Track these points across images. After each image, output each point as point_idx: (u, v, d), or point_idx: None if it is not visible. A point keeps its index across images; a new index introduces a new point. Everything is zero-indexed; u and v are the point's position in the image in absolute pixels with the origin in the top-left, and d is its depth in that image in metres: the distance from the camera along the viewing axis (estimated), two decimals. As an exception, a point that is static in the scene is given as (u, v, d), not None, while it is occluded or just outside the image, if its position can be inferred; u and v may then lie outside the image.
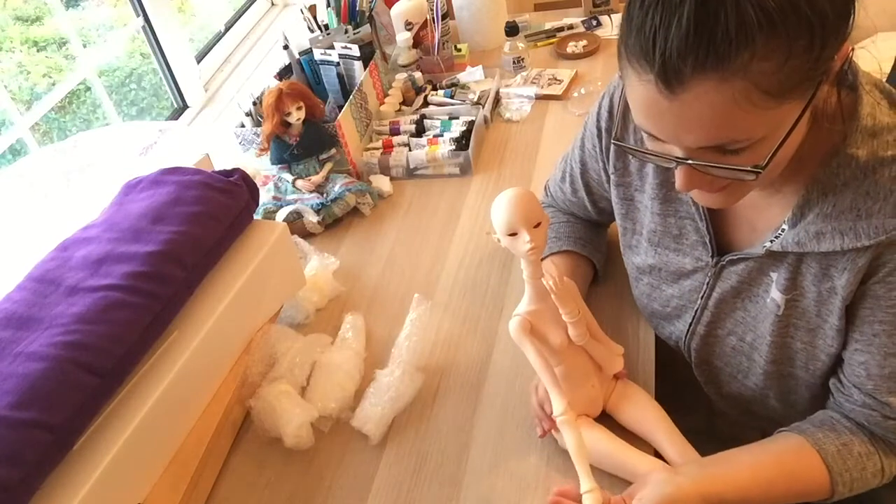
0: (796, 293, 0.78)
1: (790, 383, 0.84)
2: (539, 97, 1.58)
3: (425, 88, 1.64)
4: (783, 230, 0.76)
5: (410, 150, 1.45)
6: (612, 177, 0.95)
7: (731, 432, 1.00)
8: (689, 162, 0.67)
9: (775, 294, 0.80)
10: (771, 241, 0.78)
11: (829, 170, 0.71)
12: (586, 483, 0.76)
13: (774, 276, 0.80)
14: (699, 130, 0.63)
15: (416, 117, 1.54)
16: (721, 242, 0.86)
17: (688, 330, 0.91)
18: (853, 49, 0.65)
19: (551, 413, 0.86)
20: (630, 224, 0.96)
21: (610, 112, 0.92)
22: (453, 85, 1.63)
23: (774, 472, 0.77)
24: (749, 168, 0.65)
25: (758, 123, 0.62)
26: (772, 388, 0.86)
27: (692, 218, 0.87)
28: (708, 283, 0.87)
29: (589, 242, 1.06)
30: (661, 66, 0.60)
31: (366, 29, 1.57)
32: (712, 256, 0.86)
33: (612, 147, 0.93)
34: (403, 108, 1.61)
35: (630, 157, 0.91)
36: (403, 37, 1.66)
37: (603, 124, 0.94)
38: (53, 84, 1.76)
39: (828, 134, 0.72)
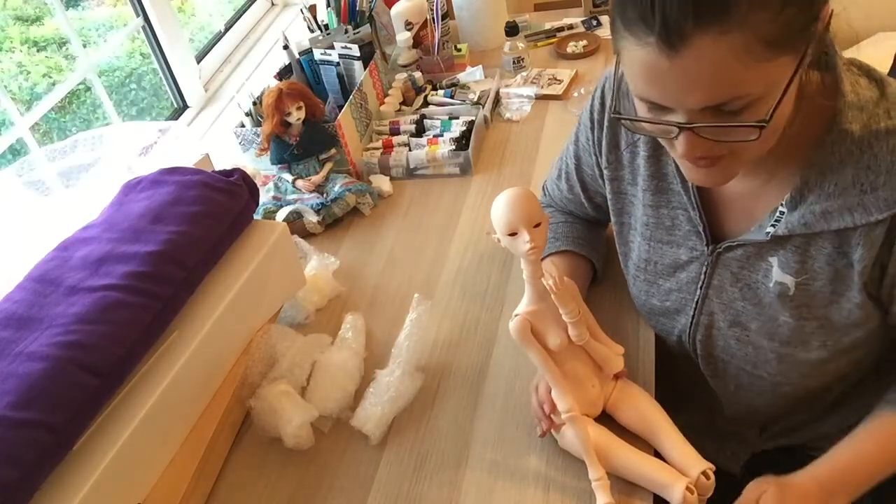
0: (807, 276, 0.79)
1: (804, 368, 0.84)
2: (539, 97, 1.58)
3: (425, 88, 1.64)
4: (781, 213, 0.77)
5: (410, 149, 1.45)
6: (605, 171, 0.95)
7: (731, 429, 1.00)
8: (692, 126, 0.67)
9: (783, 278, 0.80)
10: (773, 226, 0.78)
11: (823, 149, 0.72)
12: (595, 472, 0.81)
13: (774, 260, 0.80)
14: (701, 89, 0.64)
15: (416, 117, 1.54)
16: (715, 232, 0.87)
17: (691, 322, 0.91)
18: (832, 11, 0.66)
19: (551, 413, 0.86)
20: (626, 219, 0.96)
21: (602, 104, 0.93)
22: (453, 85, 1.63)
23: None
24: (752, 123, 0.65)
25: (757, 78, 0.63)
26: (784, 374, 0.86)
27: (684, 208, 0.87)
28: (705, 273, 0.87)
29: (588, 242, 1.06)
30: (661, 26, 0.61)
31: (366, 29, 1.57)
32: (707, 245, 0.86)
33: (604, 140, 0.93)
34: (403, 108, 1.61)
35: (622, 149, 0.92)
36: (403, 37, 1.66)
37: (596, 116, 0.94)
38: (53, 84, 1.76)
39: (814, 115, 0.73)
